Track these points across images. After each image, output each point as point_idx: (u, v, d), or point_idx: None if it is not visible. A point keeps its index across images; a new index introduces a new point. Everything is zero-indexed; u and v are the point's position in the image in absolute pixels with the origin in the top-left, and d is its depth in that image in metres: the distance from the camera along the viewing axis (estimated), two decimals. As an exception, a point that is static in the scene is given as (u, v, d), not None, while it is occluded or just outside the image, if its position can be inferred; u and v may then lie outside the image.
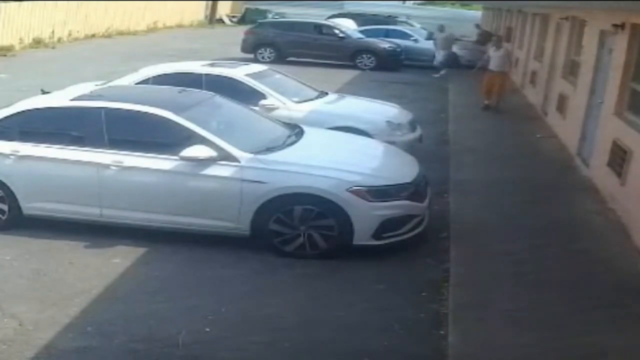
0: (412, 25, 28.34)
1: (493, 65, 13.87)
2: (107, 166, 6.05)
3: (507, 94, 14.71)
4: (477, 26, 28.41)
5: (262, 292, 5.36)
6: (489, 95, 13.89)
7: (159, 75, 8.89)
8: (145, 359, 4.35)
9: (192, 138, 5.99)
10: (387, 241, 6.00)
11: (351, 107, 9.53)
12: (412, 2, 46.82)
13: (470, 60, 21.34)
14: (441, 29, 21.59)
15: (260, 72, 9.63)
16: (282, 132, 6.91)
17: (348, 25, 24.35)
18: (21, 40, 22.08)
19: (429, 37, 23.54)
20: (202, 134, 6.01)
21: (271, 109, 8.50)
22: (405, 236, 6.11)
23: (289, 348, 4.53)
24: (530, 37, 17.08)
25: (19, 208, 6.29)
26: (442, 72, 20.23)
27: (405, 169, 6.55)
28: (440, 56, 20.86)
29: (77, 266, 5.68)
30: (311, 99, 9.33)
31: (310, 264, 5.85)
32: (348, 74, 19.14)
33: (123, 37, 28.33)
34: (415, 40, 23.57)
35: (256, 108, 8.07)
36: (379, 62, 21.14)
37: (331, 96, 9.91)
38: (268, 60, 20.59)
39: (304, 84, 10.14)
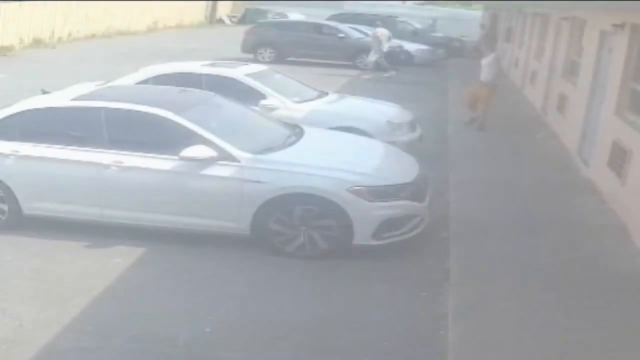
0: (411, 25, 28.27)
1: (482, 75, 11.82)
2: (107, 166, 6.05)
3: (506, 95, 14.46)
4: (483, 27, 28.22)
5: (262, 292, 5.36)
6: (474, 108, 11.95)
7: (159, 75, 8.90)
8: (145, 359, 4.35)
9: (192, 138, 5.98)
10: (387, 241, 5.99)
11: (351, 107, 9.54)
12: (412, 2, 46.72)
13: (426, 60, 22.25)
14: (376, 25, 20.95)
15: (260, 72, 9.63)
16: (282, 132, 6.90)
17: None
18: (21, 40, 22.07)
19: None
20: (202, 134, 6.01)
21: (271, 109, 8.50)
22: (406, 236, 6.11)
23: (288, 348, 4.54)
24: (530, 37, 17.08)
25: (19, 208, 6.29)
26: (388, 74, 19.36)
27: (405, 169, 6.56)
28: (374, 55, 19.56)
29: (77, 266, 5.68)
30: (311, 99, 9.33)
31: (311, 263, 5.85)
32: (348, 74, 19.14)
33: (123, 37, 28.31)
34: None
35: (256, 108, 8.07)
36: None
37: (331, 96, 9.91)
38: (268, 60, 20.58)
39: (304, 84, 10.14)
